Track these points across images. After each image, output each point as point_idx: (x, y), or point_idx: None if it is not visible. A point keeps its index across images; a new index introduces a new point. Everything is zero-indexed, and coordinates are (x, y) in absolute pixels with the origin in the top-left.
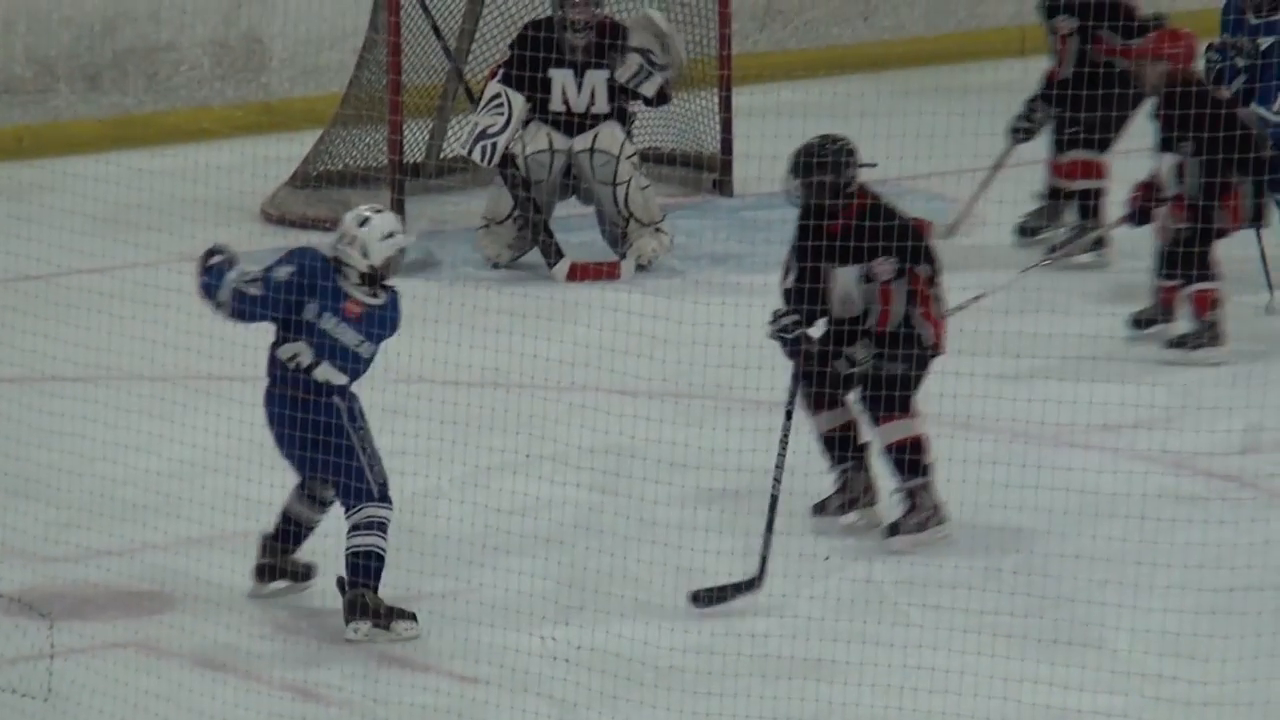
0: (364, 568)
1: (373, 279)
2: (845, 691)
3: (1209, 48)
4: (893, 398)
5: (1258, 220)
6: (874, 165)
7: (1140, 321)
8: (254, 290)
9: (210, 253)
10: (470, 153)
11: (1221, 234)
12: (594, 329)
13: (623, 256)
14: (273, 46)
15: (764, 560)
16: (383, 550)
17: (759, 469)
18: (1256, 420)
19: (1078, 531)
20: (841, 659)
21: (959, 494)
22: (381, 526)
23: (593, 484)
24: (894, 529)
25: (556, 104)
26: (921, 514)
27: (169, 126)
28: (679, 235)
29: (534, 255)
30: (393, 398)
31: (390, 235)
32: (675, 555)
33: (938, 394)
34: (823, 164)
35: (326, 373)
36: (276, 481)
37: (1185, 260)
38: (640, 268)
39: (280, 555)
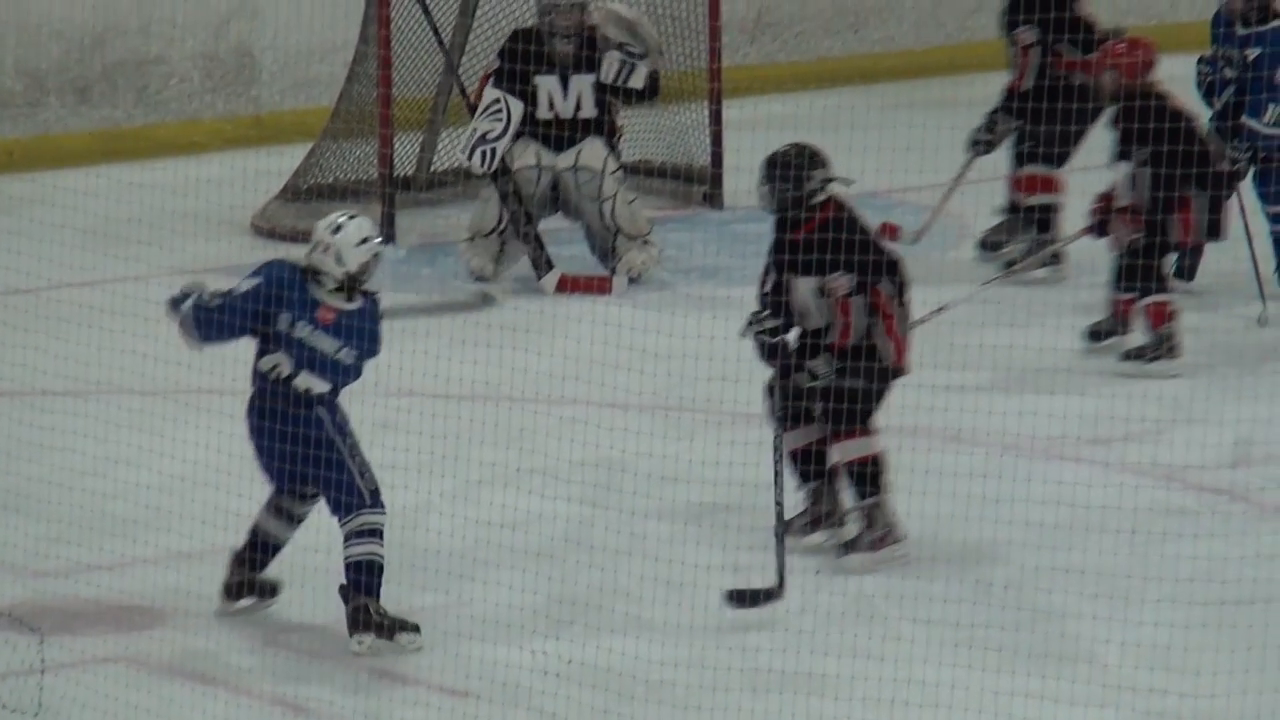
0: (363, 578)
1: (349, 286)
2: (836, 705)
3: (1200, 60)
4: (852, 414)
5: (1212, 235)
6: (850, 181)
7: (1096, 334)
8: (215, 303)
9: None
10: (470, 157)
11: (1173, 248)
12: (583, 342)
13: (612, 271)
14: (263, 60)
15: (781, 571)
16: (380, 557)
17: (749, 482)
18: (1247, 433)
19: (1068, 545)
20: (832, 672)
21: (949, 507)
22: (377, 533)
23: (582, 498)
24: (848, 547)
25: (543, 111)
26: (877, 532)
27: (159, 140)
28: (669, 248)
29: (520, 268)
30: (382, 411)
31: (365, 240)
32: (666, 569)
33: (927, 407)
34: (784, 172)
35: (308, 381)
36: (266, 496)
37: (1140, 272)
38: (630, 281)
39: (250, 572)
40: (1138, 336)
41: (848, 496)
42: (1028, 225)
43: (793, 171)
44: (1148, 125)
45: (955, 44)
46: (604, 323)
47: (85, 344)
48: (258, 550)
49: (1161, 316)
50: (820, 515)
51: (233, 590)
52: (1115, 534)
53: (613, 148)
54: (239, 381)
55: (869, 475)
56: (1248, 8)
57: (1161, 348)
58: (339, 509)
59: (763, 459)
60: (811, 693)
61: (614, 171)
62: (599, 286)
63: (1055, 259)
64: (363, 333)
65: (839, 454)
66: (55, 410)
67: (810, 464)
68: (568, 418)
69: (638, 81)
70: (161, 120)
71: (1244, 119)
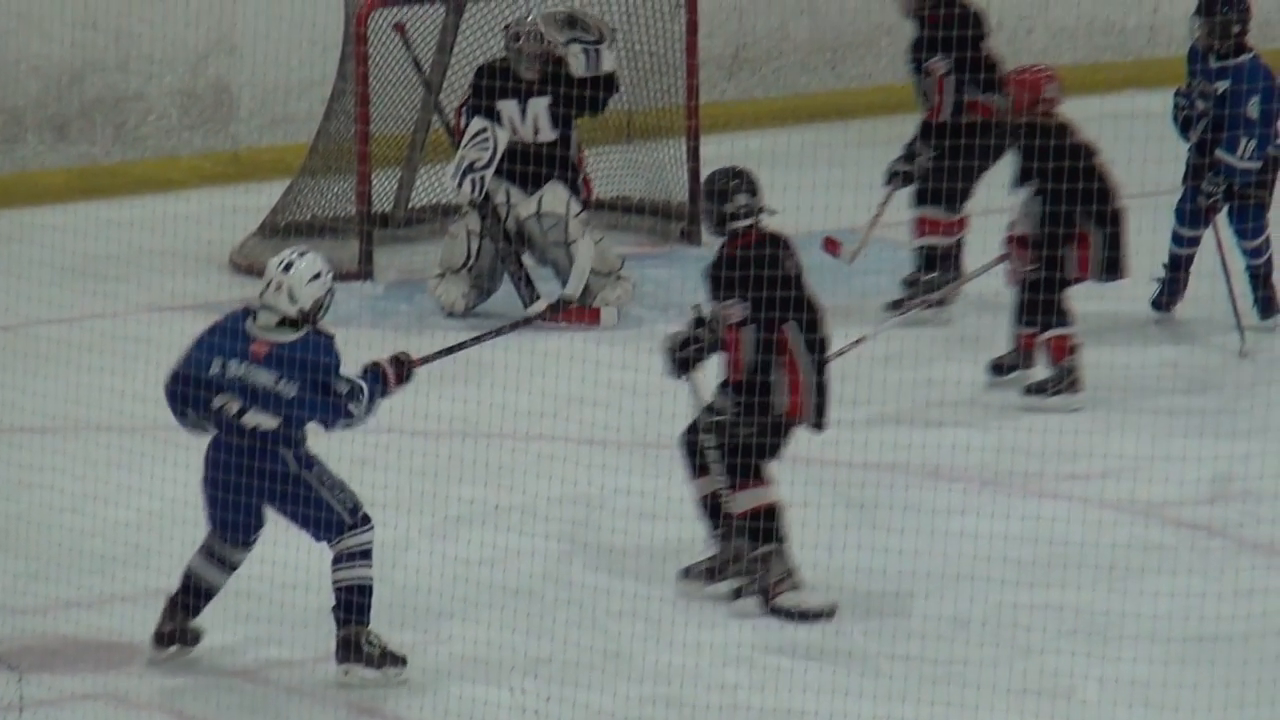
0: (351, 603)
1: (300, 323)
2: None
3: (1176, 93)
4: (744, 464)
5: (1111, 273)
6: (773, 212)
7: (999, 367)
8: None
9: None
10: (460, 185)
11: (1073, 282)
12: (561, 379)
13: (588, 307)
14: (240, 96)
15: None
16: (368, 581)
17: None
18: (1225, 469)
19: (1046, 581)
20: (811, 709)
21: (928, 544)
22: (364, 555)
23: (561, 534)
24: (740, 593)
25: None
26: (772, 579)
27: (137, 177)
28: (647, 284)
29: (491, 304)
30: (361, 449)
31: (316, 276)
32: (644, 606)
33: (904, 444)
34: (708, 192)
35: (255, 418)
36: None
37: (1041, 307)
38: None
39: (182, 619)
40: (1041, 371)
41: (745, 545)
42: (929, 265)
43: (717, 192)
44: (1042, 156)
45: None
46: (581, 359)
47: (63, 381)
48: (191, 597)
49: (1063, 350)
50: (721, 564)
51: (164, 638)
52: (1093, 570)
53: (574, 189)
54: None
55: (763, 525)
56: (1220, 41)
57: (1063, 381)
58: (318, 536)
59: None
60: None
61: (578, 214)
62: (589, 317)
63: (942, 301)
64: (298, 363)
65: (733, 504)
66: (33, 447)
67: (715, 514)
68: (546, 454)
69: (609, 64)
70: (139, 157)
71: (1218, 153)
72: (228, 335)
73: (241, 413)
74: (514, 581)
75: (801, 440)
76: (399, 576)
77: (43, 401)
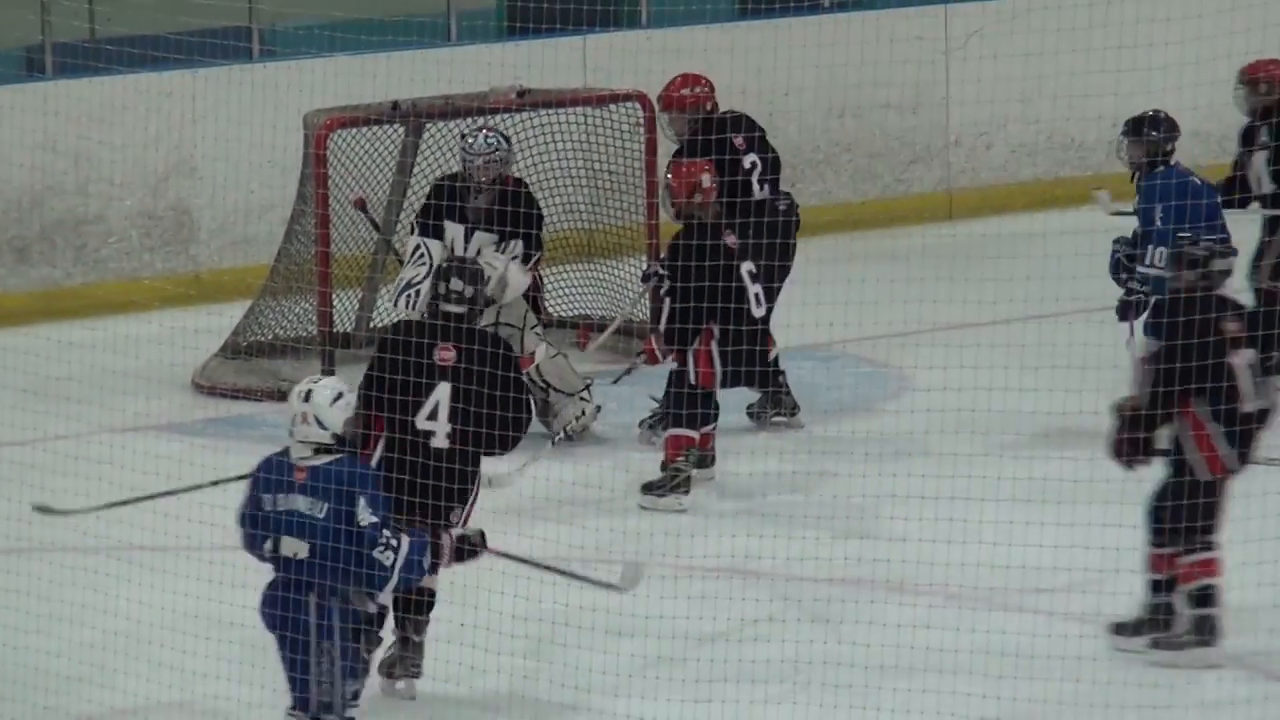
0: None
1: (332, 448)
2: None
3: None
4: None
5: (738, 384)
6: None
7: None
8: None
9: None
10: (396, 304)
11: (703, 386)
12: (524, 497)
13: (548, 426)
14: (201, 218)
15: None
16: None
17: (693, 635)
18: None
19: (1012, 695)
20: None
21: (893, 659)
22: None
23: (526, 652)
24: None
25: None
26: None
27: (98, 299)
28: (609, 402)
29: None
30: None
31: (339, 397)
32: None
33: (869, 558)
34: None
35: (291, 546)
36: (209, 652)
37: (671, 407)
38: (568, 438)
39: None
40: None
41: None
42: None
43: (440, 270)
44: (676, 255)
45: (892, 196)
46: (545, 477)
47: (25, 502)
48: None
49: (677, 451)
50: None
51: None
52: (1059, 683)
53: (535, 306)
54: (180, 538)
55: None
56: (1148, 160)
57: (674, 481)
58: (294, 699)
59: (705, 611)
60: None
61: (533, 327)
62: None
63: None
64: (332, 476)
65: None
66: None
67: None
68: (510, 572)
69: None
70: (100, 279)
71: (1138, 266)
72: (273, 469)
73: (277, 544)
74: (480, 699)
75: (766, 556)
76: (364, 695)
77: (5, 523)
